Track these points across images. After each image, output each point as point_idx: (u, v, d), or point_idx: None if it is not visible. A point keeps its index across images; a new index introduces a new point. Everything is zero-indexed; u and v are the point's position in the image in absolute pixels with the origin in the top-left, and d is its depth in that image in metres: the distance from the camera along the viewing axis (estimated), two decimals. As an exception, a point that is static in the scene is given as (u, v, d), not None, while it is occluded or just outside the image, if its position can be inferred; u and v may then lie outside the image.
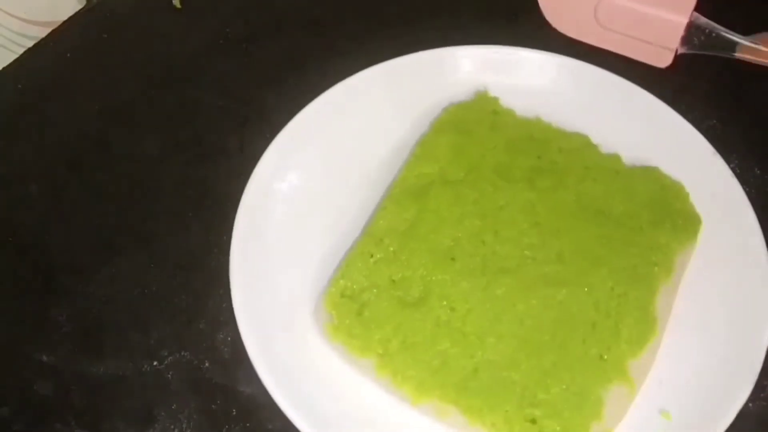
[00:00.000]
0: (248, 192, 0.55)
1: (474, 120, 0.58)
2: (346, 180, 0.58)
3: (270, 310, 0.52)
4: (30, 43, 0.69)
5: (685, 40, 0.56)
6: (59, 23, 0.70)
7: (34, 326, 0.54)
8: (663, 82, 0.61)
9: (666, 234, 0.52)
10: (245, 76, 0.66)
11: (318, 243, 0.55)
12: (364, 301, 0.50)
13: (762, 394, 0.50)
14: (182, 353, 0.53)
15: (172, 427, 0.51)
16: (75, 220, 0.59)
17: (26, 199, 0.60)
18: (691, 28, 0.54)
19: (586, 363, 0.47)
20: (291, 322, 0.52)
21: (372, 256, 0.51)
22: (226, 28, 0.69)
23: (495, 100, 0.59)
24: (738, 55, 0.57)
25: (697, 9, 0.57)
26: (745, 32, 0.59)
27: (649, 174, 0.56)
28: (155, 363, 0.53)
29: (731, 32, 0.56)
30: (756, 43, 0.55)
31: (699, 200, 0.55)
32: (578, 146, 0.57)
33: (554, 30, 0.65)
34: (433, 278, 0.50)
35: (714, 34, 0.55)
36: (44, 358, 0.53)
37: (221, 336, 0.54)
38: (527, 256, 0.51)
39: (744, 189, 0.55)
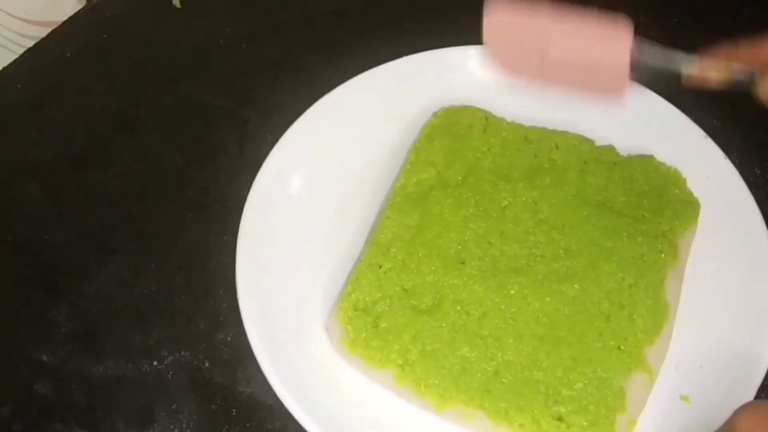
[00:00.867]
0: (251, 199, 0.55)
1: (466, 124, 0.58)
2: (346, 183, 0.58)
3: (279, 320, 0.51)
4: (30, 43, 0.69)
5: (634, 75, 0.56)
6: (59, 23, 0.70)
7: (34, 326, 0.54)
8: (664, 82, 0.61)
9: (669, 221, 0.53)
10: (245, 76, 0.66)
11: (323, 249, 0.55)
12: (379, 312, 0.49)
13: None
14: (182, 353, 0.53)
15: (172, 427, 0.51)
16: (75, 220, 0.59)
17: (26, 199, 0.60)
18: (637, 60, 0.55)
19: (605, 355, 0.48)
20: (299, 330, 0.51)
21: (381, 266, 0.51)
22: (226, 28, 0.69)
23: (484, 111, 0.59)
24: (686, 78, 0.56)
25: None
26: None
27: (646, 163, 0.56)
28: (155, 363, 0.53)
29: (677, 55, 0.56)
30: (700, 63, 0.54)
31: (694, 184, 0.55)
32: (574, 142, 0.57)
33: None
34: (445, 283, 0.50)
35: (662, 61, 0.56)
36: (44, 358, 0.53)
37: (221, 336, 0.54)
38: (535, 254, 0.51)
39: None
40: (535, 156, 0.56)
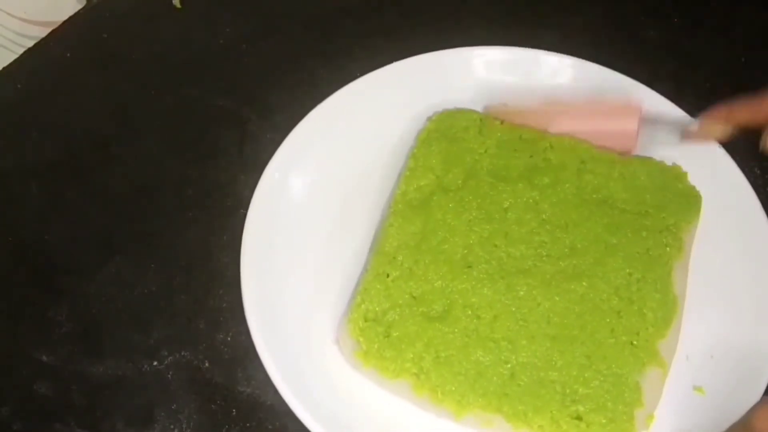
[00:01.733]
0: (254, 205, 0.55)
1: (461, 126, 0.58)
2: (346, 187, 0.58)
3: (286, 326, 0.51)
4: (30, 43, 0.69)
5: (639, 141, 0.57)
6: (59, 23, 0.70)
7: (34, 326, 0.54)
8: (664, 82, 0.62)
9: (673, 215, 0.53)
10: (245, 76, 0.66)
11: (326, 255, 0.55)
12: (389, 322, 0.49)
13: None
14: (182, 353, 0.53)
15: (172, 427, 0.51)
16: (75, 220, 0.59)
17: (26, 199, 0.60)
18: (642, 129, 0.56)
19: (618, 351, 0.48)
20: (306, 335, 0.52)
21: (388, 275, 0.51)
22: (226, 28, 0.69)
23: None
24: (687, 139, 0.58)
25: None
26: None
27: (646, 160, 0.56)
28: (155, 363, 0.53)
29: (677, 119, 0.57)
30: (697, 127, 0.56)
31: (691, 175, 0.56)
32: (569, 142, 0.57)
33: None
34: (453, 289, 0.50)
35: (664, 127, 0.57)
36: (44, 358, 0.53)
37: (221, 336, 0.54)
38: (541, 254, 0.51)
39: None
40: (531, 156, 0.56)
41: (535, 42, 0.63)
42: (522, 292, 0.50)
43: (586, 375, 0.47)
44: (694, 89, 0.63)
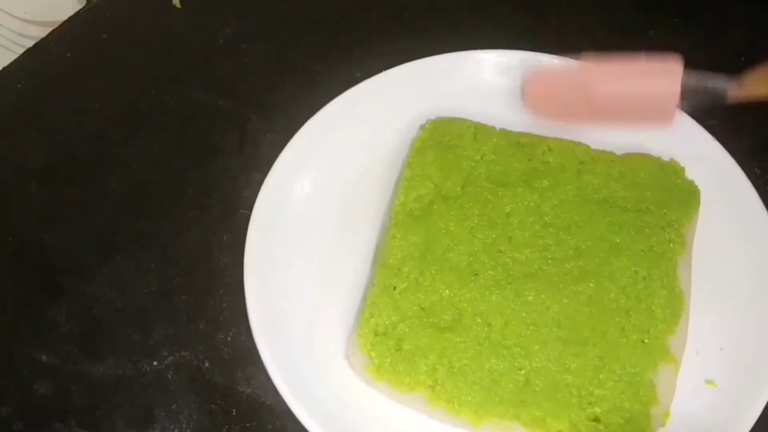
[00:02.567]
0: (257, 210, 0.55)
1: (455, 133, 0.57)
2: (346, 193, 0.58)
3: (290, 334, 0.51)
4: (30, 43, 0.69)
5: (682, 103, 0.56)
6: (59, 23, 0.70)
7: (34, 326, 0.54)
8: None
9: (674, 210, 0.53)
10: (245, 76, 0.66)
11: (328, 262, 0.55)
12: (400, 334, 0.48)
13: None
14: (182, 353, 0.53)
15: (172, 427, 0.51)
16: (75, 220, 0.59)
17: (26, 199, 0.60)
18: (685, 91, 0.55)
19: (630, 350, 0.48)
20: (310, 340, 0.52)
21: (395, 288, 0.50)
22: (226, 28, 0.69)
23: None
24: (732, 99, 0.57)
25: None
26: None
27: (644, 157, 0.56)
28: (155, 363, 0.53)
29: (721, 79, 0.56)
30: (743, 84, 0.55)
31: (687, 170, 0.56)
32: (566, 144, 0.57)
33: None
34: (462, 297, 0.50)
35: (707, 88, 0.56)
36: (44, 358, 0.53)
37: (221, 336, 0.54)
38: (546, 257, 0.51)
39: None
40: (529, 159, 0.56)
41: (533, 44, 0.63)
42: (530, 297, 0.49)
43: (600, 376, 0.47)
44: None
